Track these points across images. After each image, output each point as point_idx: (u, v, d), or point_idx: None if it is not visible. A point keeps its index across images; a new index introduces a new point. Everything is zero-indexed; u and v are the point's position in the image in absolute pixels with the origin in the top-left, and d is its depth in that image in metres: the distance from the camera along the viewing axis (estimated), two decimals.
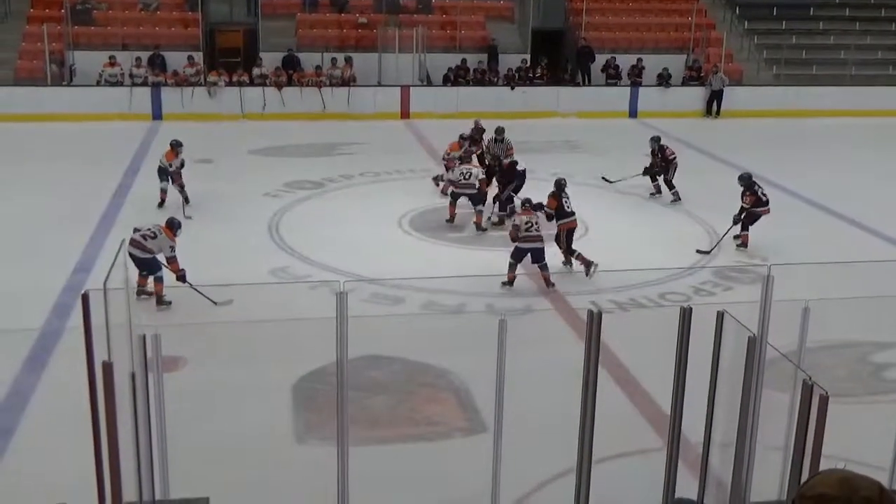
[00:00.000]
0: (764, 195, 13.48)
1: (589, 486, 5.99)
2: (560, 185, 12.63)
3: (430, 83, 25.05)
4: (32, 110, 21.93)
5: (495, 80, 25.28)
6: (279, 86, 23.53)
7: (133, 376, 5.36)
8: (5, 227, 13.73)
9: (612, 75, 25.99)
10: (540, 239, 11.80)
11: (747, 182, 13.46)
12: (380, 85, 24.54)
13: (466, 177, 14.47)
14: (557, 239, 12.46)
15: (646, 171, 16.53)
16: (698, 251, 13.36)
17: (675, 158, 16.44)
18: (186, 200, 15.03)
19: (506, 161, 15.31)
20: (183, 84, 23.31)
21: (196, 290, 10.75)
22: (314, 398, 8.85)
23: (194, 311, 10.61)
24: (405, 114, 24.06)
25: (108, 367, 4.60)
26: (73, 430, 5.68)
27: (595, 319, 5.75)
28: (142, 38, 24.78)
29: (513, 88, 24.86)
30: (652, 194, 16.62)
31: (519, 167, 15.19)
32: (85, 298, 4.63)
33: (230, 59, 25.27)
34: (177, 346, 8.12)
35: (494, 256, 13.19)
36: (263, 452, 7.92)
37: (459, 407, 8.92)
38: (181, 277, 10.87)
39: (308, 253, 13.12)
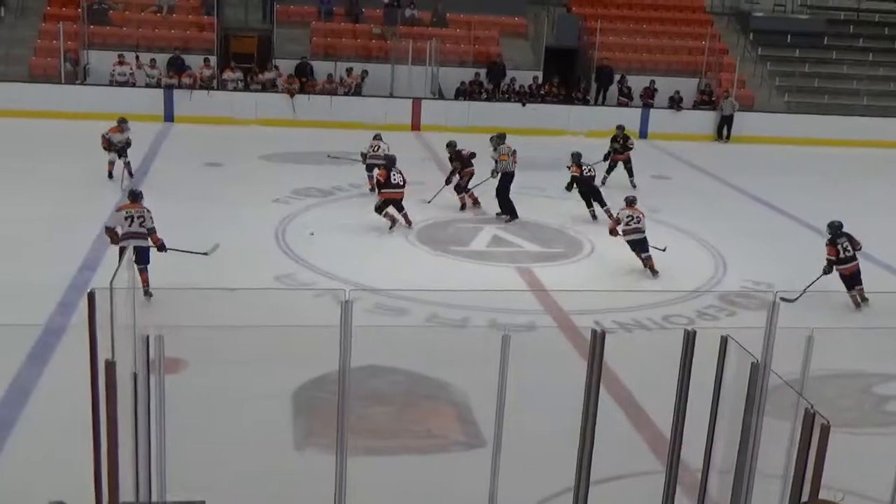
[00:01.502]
0: (847, 250, 12.13)
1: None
2: (391, 161, 15.03)
3: (441, 97, 25.10)
4: (45, 107, 22.00)
5: (507, 96, 25.34)
6: (291, 93, 23.60)
7: (135, 376, 5.36)
8: (14, 223, 13.76)
9: (624, 94, 26.05)
10: (641, 231, 13.09)
11: (833, 232, 12.30)
12: (391, 96, 24.59)
13: (375, 150, 16.77)
14: (379, 206, 14.77)
15: (605, 157, 18.16)
16: (783, 299, 12.57)
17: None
18: (131, 175, 16.71)
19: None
20: (194, 87, 23.42)
21: (181, 250, 11.08)
22: (314, 406, 8.83)
23: (197, 314, 10.59)
24: (416, 126, 24.12)
25: (110, 367, 4.61)
26: (72, 426, 5.67)
27: (598, 339, 5.74)
28: (157, 41, 24.90)
29: (524, 105, 24.91)
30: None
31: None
32: (91, 296, 4.63)
33: (243, 64, 25.37)
34: (179, 348, 8.09)
35: (499, 271, 13.22)
36: (261, 458, 7.89)
37: (459, 421, 8.90)
38: (162, 246, 11.02)
39: (314, 260, 13.11)
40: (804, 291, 11.83)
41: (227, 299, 10.53)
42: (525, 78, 25.74)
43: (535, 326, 11.17)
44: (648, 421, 8.84)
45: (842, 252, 12.16)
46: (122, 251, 10.85)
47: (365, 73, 24.69)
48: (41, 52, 23.91)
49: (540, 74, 26.05)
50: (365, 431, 8.17)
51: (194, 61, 24.18)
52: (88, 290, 4.73)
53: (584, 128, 24.49)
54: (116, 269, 4.75)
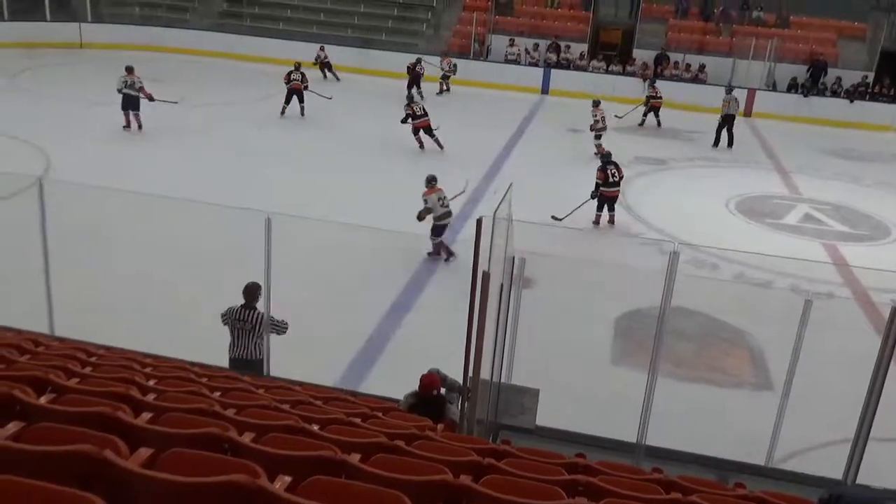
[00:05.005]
0: (614, 175, 11.93)
1: (862, 457, 5.43)
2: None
3: (775, 89, 23.16)
4: (458, 77, 23.15)
5: (835, 93, 22.76)
6: (644, 77, 22.98)
7: (501, 286, 5.60)
8: (423, 166, 14.81)
9: None
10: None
11: (603, 160, 12.15)
12: (729, 86, 23.07)
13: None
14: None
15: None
16: (553, 217, 11.77)
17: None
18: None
19: None
20: (568, 67, 23.57)
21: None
22: (630, 332, 8.77)
23: (548, 245, 10.76)
24: (748, 113, 22.49)
25: (486, 276, 4.80)
26: (450, 315, 5.99)
27: None
28: (542, 29, 25.25)
29: (852, 101, 22.30)
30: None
31: None
32: (479, 222, 4.84)
33: (609, 52, 25.06)
34: (533, 270, 8.38)
35: (806, 244, 12.16)
36: (584, 365, 8.01)
37: (752, 365, 8.42)
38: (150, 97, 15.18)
39: (644, 215, 12.86)
40: (572, 212, 11.55)
41: (572, 237, 10.68)
42: (854, 77, 22.96)
43: (833, 296, 10.20)
44: None
45: (609, 177, 11.90)
46: None
47: (703, 65, 23.41)
48: (458, 34, 25.18)
49: (871, 74, 23.08)
50: (670, 360, 8.00)
51: (567, 48, 24.28)
52: (477, 218, 4.96)
53: None
54: (498, 205, 4.94)
